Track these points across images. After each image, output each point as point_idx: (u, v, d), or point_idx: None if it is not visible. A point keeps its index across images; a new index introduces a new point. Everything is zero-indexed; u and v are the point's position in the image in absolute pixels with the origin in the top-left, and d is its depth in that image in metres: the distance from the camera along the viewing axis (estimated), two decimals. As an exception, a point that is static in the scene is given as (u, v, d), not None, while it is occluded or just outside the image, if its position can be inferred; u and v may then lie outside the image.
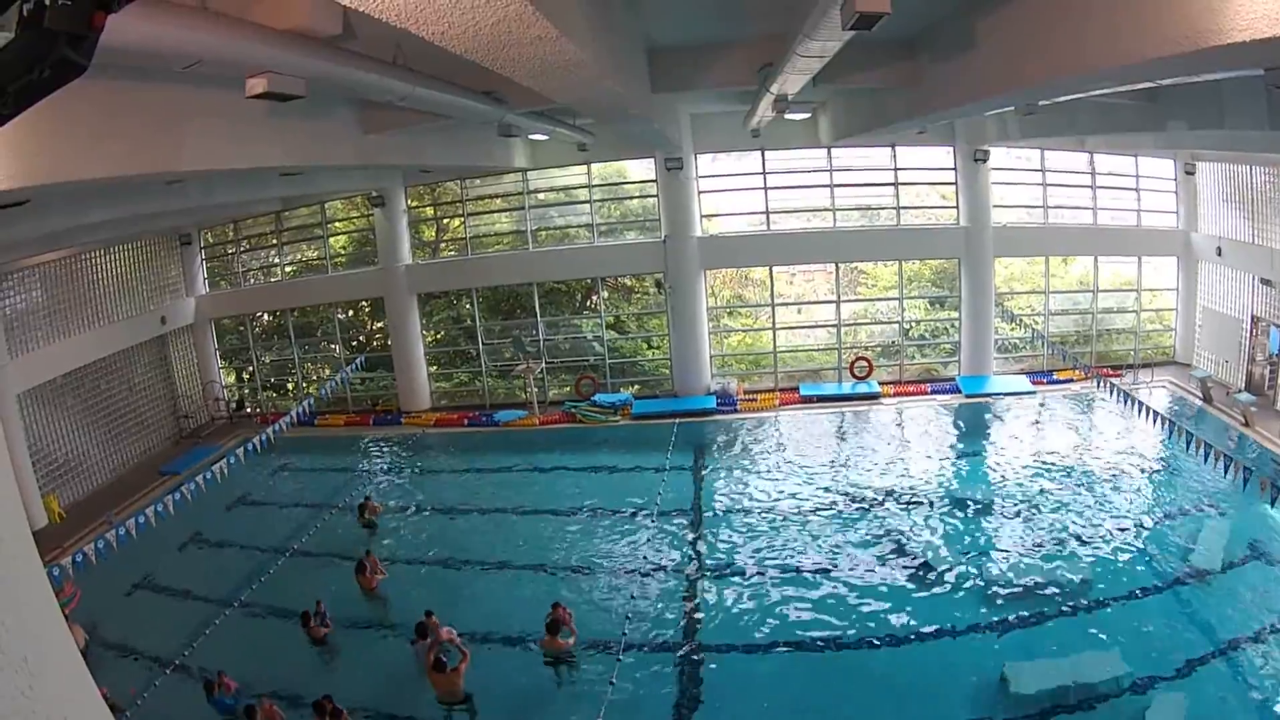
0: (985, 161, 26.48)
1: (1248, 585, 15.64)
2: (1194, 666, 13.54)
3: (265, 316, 31.79)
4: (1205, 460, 17.25)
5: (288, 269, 30.97)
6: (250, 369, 31.34)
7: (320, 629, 15.61)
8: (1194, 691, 12.89)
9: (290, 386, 31.57)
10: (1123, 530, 17.96)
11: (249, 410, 30.48)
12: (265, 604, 17.85)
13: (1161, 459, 21.33)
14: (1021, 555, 17.44)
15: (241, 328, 30.97)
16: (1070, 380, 26.38)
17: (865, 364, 27.74)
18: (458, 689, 13.56)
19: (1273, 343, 22.21)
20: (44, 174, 9.61)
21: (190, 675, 15.32)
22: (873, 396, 26.96)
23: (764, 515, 20.45)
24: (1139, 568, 16.60)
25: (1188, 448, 17.91)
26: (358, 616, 17.02)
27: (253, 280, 30.81)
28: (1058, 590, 16.04)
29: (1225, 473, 16.87)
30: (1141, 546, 17.38)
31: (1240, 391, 22.73)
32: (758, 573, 17.91)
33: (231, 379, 31.53)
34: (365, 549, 18.18)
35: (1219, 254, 24.04)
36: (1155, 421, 19.45)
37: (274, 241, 30.76)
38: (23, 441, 21.09)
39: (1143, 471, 20.95)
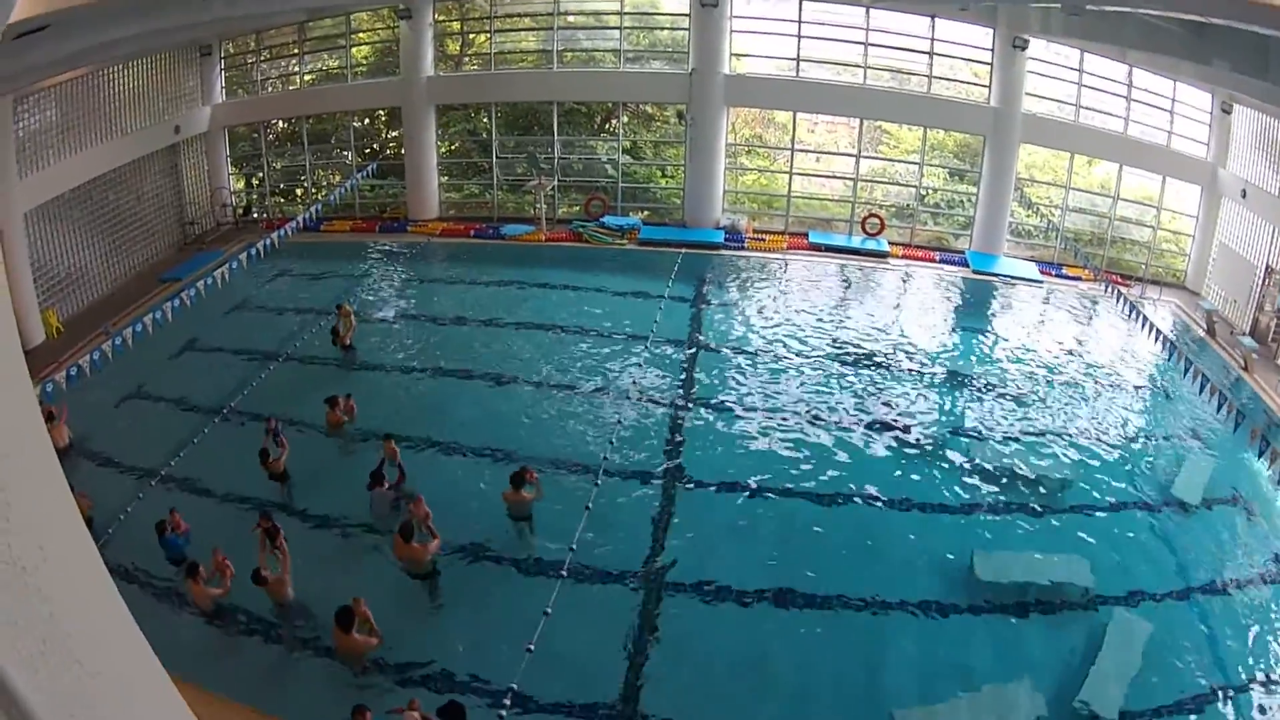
0: (1024, 50, 25.76)
1: (1224, 529, 15.44)
2: (1158, 596, 13.43)
3: (280, 124, 31.47)
4: (1201, 392, 16.95)
5: (307, 78, 30.59)
6: (260, 175, 31.09)
7: (277, 464, 15.11)
8: (1155, 620, 12.76)
9: (299, 192, 31.38)
10: (1108, 441, 17.72)
11: (255, 216, 30.27)
12: (251, 412, 17.68)
13: (1156, 379, 20.98)
14: (1005, 442, 17.33)
15: (255, 135, 30.63)
16: (1078, 279, 25.88)
17: (878, 221, 27.37)
18: (422, 562, 12.97)
19: None
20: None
21: (174, 487, 15.31)
22: (881, 255, 26.67)
23: (758, 356, 20.45)
24: (1119, 482, 16.38)
25: (1185, 375, 17.67)
26: (323, 451, 16.59)
27: (271, 89, 30.43)
28: (1035, 486, 15.94)
29: (1219, 410, 16.55)
30: (1124, 462, 17.14)
31: (1245, 335, 22.31)
32: (744, 412, 17.97)
33: (241, 185, 31.31)
34: (347, 392, 17.28)
35: (1243, 196, 23.35)
36: (1157, 340, 19.11)
37: (295, 51, 30.29)
38: (26, 260, 20.78)
39: (1136, 387, 20.68)
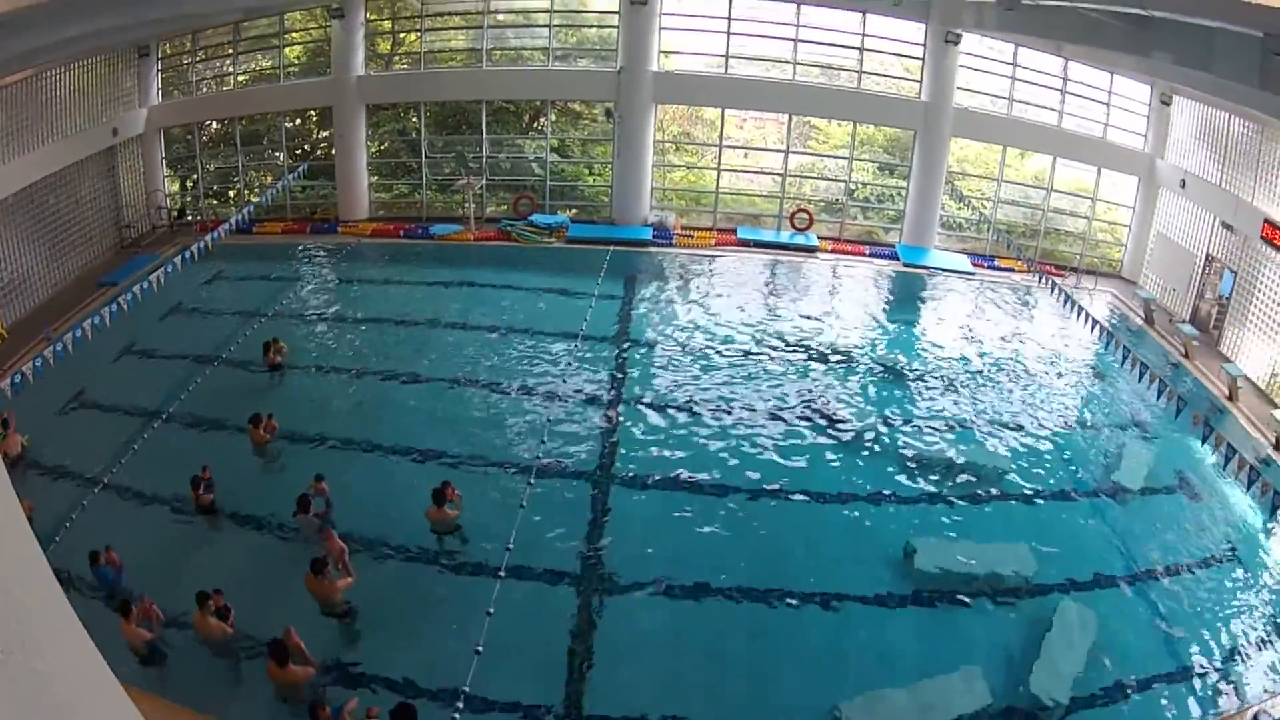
0: (956, 44, 26.03)
1: (1167, 515, 15.69)
2: (1101, 583, 13.64)
3: (214, 125, 31.22)
4: (1140, 380, 17.16)
5: (241, 78, 30.38)
6: (195, 177, 30.83)
7: (206, 496, 14.69)
8: (1097, 607, 12.93)
9: (232, 194, 31.14)
10: (1045, 429, 18.01)
11: (190, 218, 30.04)
12: (190, 415, 17.66)
13: (1093, 368, 21.29)
14: (940, 433, 17.55)
15: (189, 136, 30.32)
16: (1011, 270, 26.25)
17: (806, 216, 27.64)
18: (332, 600, 12.30)
19: (1225, 286, 22.09)
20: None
21: (117, 494, 15.24)
22: (810, 249, 26.92)
23: (688, 353, 20.58)
24: (1057, 470, 16.65)
25: (1123, 363, 17.85)
26: (251, 472, 16.27)
27: (205, 89, 30.20)
28: (972, 474, 16.12)
29: (1158, 397, 16.78)
30: (1062, 450, 17.40)
31: (1184, 322, 22.69)
32: (676, 409, 18.05)
33: (175, 187, 31.04)
34: (269, 412, 16.69)
35: (1182, 186, 23.78)
36: (1094, 329, 19.34)
37: (230, 51, 30.07)
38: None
39: (1072, 375, 20.98)
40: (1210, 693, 11.84)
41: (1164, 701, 11.65)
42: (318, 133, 31.60)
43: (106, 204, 27.31)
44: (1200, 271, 23.32)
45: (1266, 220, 20.22)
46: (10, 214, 22.71)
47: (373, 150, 29.66)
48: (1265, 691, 11.89)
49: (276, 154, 30.59)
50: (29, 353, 18.64)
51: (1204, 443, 15.39)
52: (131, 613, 11.63)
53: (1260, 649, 12.65)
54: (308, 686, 11.09)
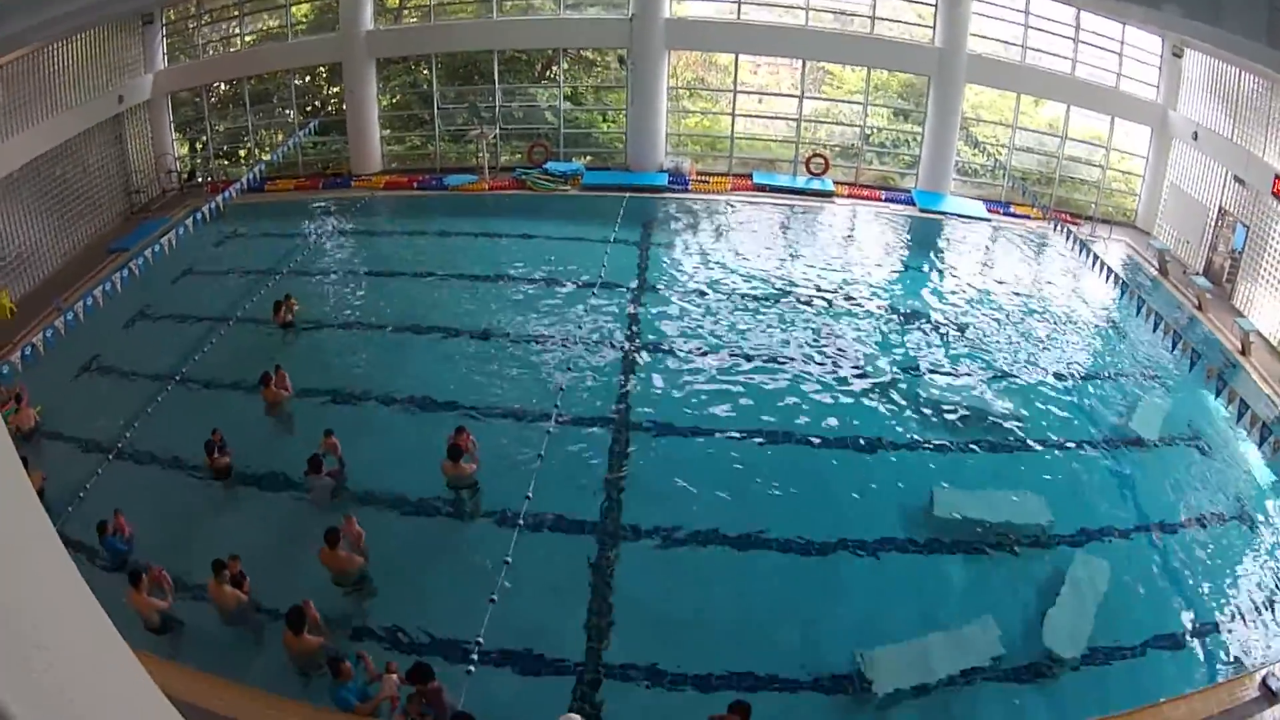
0: (969, -10, 25.84)
1: (1182, 466, 15.55)
2: (1117, 535, 13.53)
3: (222, 86, 31.01)
4: (1155, 330, 17.08)
5: (247, 39, 30.20)
6: (204, 139, 30.69)
7: (222, 459, 14.49)
8: (1113, 558, 12.86)
9: (243, 154, 30.98)
10: (1061, 377, 17.87)
11: (200, 180, 29.91)
12: (204, 378, 17.46)
13: (1108, 317, 21.11)
14: (958, 380, 17.43)
15: (198, 99, 30.13)
16: (1027, 217, 26.06)
17: (822, 161, 27.45)
18: (348, 572, 12.17)
19: (1238, 239, 21.85)
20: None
21: (132, 460, 15.06)
22: (826, 194, 26.75)
23: (706, 298, 20.43)
24: (1074, 419, 16.51)
25: (1138, 313, 17.79)
26: (266, 433, 16.12)
27: (212, 52, 29.98)
28: (990, 422, 16.00)
29: (1173, 349, 16.69)
30: (1079, 398, 17.27)
31: (1198, 275, 22.48)
32: (694, 355, 17.97)
33: (185, 150, 30.87)
34: (275, 363, 16.51)
35: (1195, 138, 23.52)
36: (1108, 278, 19.19)
37: (235, 13, 29.89)
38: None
39: (1088, 324, 20.82)
40: (1219, 652, 11.71)
41: (1172, 660, 11.56)
42: (328, 88, 31.44)
43: (115, 171, 27.14)
44: (1213, 224, 23.10)
45: (1277, 176, 19.93)
46: (17, 188, 22.53)
47: (384, 104, 29.49)
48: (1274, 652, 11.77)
49: (286, 112, 30.39)
50: (39, 325, 18.43)
51: (1217, 397, 15.40)
52: (141, 581, 11.46)
53: (1271, 610, 12.48)
54: (321, 652, 11.04)
